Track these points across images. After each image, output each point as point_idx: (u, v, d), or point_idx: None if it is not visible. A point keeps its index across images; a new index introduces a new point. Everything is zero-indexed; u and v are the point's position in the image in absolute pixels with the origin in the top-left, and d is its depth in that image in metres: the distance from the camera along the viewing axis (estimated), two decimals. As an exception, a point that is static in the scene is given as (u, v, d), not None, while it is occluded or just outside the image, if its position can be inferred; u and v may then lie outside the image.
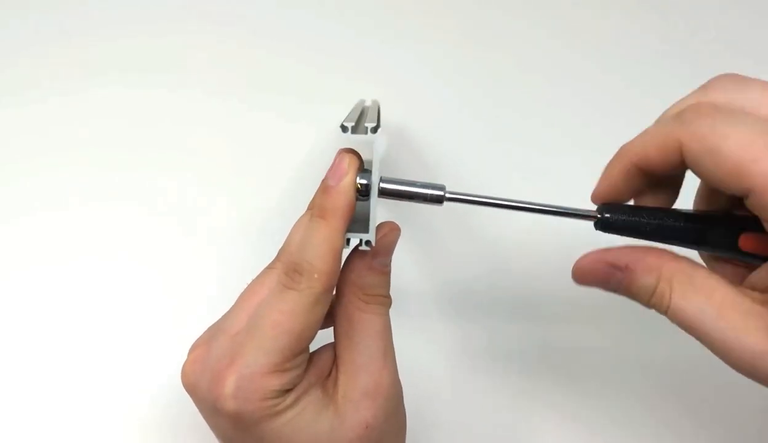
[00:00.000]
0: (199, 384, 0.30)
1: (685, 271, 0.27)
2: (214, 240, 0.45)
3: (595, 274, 0.29)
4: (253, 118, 0.45)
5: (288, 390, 0.30)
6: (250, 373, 0.29)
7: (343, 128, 0.30)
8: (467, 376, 0.44)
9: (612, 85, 0.47)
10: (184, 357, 0.33)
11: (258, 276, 0.32)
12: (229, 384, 0.29)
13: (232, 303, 0.33)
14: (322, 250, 0.29)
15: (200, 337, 0.33)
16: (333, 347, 0.32)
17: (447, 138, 0.45)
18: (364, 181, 0.30)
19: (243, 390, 0.29)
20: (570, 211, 0.31)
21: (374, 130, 0.30)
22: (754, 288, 0.27)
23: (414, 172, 0.45)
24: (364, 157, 0.32)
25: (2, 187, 0.44)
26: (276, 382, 0.29)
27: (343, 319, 0.32)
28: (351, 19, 0.45)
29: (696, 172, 0.26)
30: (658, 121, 0.29)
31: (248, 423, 0.29)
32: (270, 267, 0.32)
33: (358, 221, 0.31)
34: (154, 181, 0.44)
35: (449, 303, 0.45)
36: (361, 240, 0.30)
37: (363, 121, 0.32)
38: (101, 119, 0.44)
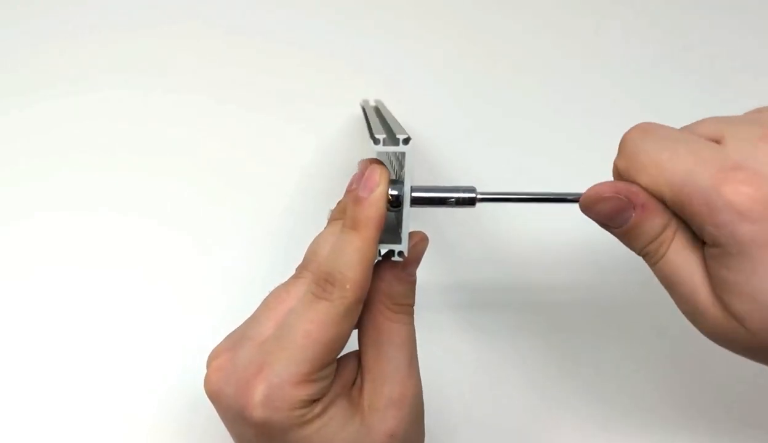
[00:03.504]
0: (225, 392, 0.30)
1: (689, 228, 0.27)
2: (221, 243, 0.44)
3: (609, 203, 0.28)
4: (253, 120, 0.44)
5: (316, 400, 0.30)
6: (279, 382, 0.29)
7: (375, 140, 0.30)
8: (485, 381, 0.44)
9: (612, 89, 0.48)
10: (195, 362, 0.33)
11: (284, 285, 0.32)
12: (258, 393, 0.29)
13: (255, 309, 0.32)
14: (355, 261, 0.29)
15: (222, 344, 0.32)
16: (357, 355, 0.33)
17: (448, 139, 0.45)
18: (395, 192, 0.30)
19: (272, 399, 0.29)
20: None
21: (406, 141, 0.30)
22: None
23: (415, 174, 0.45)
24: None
25: (6, 188, 0.43)
26: (305, 392, 0.29)
27: (370, 328, 0.32)
28: (350, 20, 0.45)
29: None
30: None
31: (275, 432, 0.29)
32: (297, 276, 0.32)
33: (387, 231, 0.32)
34: (155, 185, 0.44)
35: (466, 307, 0.45)
36: (393, 251, 0.30)
37: (390, 131, 0.32)
38: (101, 122, 0.43)
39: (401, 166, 0.31)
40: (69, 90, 0.43)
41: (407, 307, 0.32)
